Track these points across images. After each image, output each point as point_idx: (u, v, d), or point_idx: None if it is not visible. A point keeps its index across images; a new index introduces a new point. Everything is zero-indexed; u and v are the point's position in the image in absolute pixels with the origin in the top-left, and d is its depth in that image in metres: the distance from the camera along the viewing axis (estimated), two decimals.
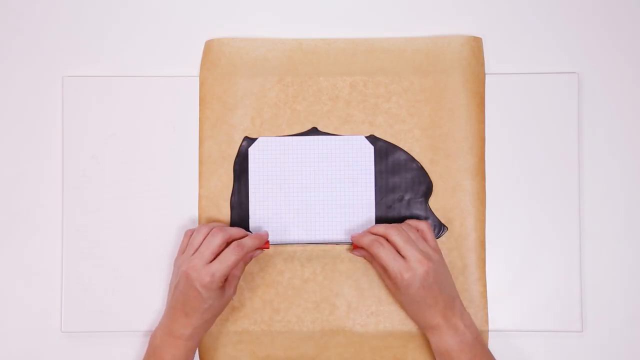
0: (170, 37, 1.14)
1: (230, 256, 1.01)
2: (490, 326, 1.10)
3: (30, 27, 1.14)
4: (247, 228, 1.11)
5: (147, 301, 1.10)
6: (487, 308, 1.10)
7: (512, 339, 1.11)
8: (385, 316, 1.10)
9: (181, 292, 1.01)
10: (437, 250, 1.05)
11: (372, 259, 1.08)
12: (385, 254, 1.02)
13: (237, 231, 1.05)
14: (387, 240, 1.04)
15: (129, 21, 1.14)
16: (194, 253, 1.02)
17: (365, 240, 1.05)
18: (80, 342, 1.11)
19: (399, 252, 1.03)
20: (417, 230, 1.06)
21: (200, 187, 1.11)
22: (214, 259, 1.01)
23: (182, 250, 1.06)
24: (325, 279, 1.11)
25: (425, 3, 1.14)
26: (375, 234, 1.05)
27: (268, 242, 1.08)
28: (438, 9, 1.14)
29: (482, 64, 1.12)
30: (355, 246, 1.08)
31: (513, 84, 1.12)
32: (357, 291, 1.10)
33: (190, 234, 1.06)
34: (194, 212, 1.11)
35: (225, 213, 1.11)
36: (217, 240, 1.02)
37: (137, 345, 1.11)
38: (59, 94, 1.13)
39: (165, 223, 1.11)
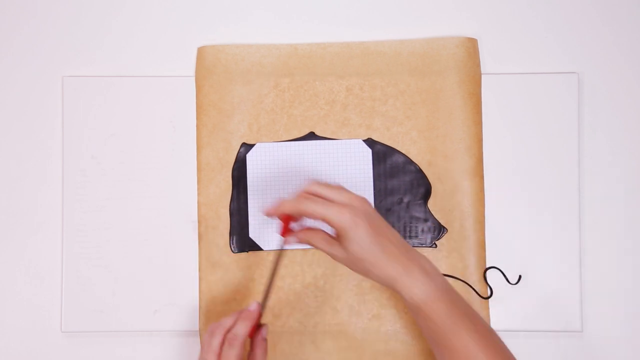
0: (171, 36, 1.14)
1: (230, 353, 0.96)
2: (491, 326, 1.10)
3: (30, 27, 1.14)
4: (247, 234, 1.10)
5: (147, 301, 1.11)
6: (488, 309, 1.10)
7: (512, 339, 1.10)
8: (387, 319, 1.10)
9: None
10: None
11: (311, 236, 0.99)
12: (317, 206, 0.94)
13: (230, 320, 0.98)
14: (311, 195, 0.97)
15: (128, 21, 1.14)
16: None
17: (289, 204, 0.96)
18: (80, 342, 1.11)
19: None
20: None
21: (198, 194, 1.11)
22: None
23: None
24: (326, 283, 1.11)
25: (427, 3, 1.14)
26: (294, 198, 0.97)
27: (261, 314, 1.00)
28: (438, 9, 1.13)
29: (478, 65, 1.11)
30: (284, 233, 0.99)
31: (513, 84, 1.12)
32: (358, 295, 1.10)
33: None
34: (194, 212, 1.11)
35: (224, 220, 1.11)
36: (215, 341, 0.96)
37: (137, 345, 1.11)
38: (59, 94, 1.13)
39: (165, 223, 1.11)
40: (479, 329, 0.96)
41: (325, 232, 0.98)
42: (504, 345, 0.97)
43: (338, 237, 0.96)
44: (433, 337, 0.96)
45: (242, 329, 0.97)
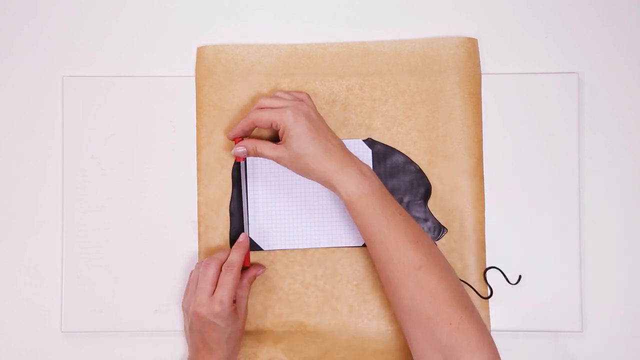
0: (171, 36, 1.13)
1: (227, 278, 1.02)
2: (491, 326, 1.10)
3: (30, 27, 1.14)
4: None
5: (147, 301, 1.11)
6: (488, 309, 1.10)
7: (512, 339, 1.11)
8: (387, 319, 1.10)
9: (198, 331, 1.02)
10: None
11: (257, 142, 1.05)
12: (264, 113, 1.02)
13: (223, 254, 1.05)
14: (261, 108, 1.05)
15: (128, 21, 1.14)
16: (195, 291, 1.02)
17: (244, 122, 1.05)
18: (80, 342, 1.11)
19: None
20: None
21: (198, 194, 1.11)
22: (215, 288, 1.02)
23: (187, 292, 1.06)
24: (326, 283, 1.11)
25: (427, 3, 1.14)
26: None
27: (249, 252, 1.07)
28: (438, 9, 1.13)
29: (478, 65, 1.11)
30: (236, 142, 1.07)
31: (513, 84, 1.12)
32: (358, 295, 1.10)
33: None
34: (194, 212, 1.11)
35: (224, 220, 1.11)
36: (211, 270, 1.02)
37: (137, 345, 1.11)
38: (59, 94, 1.13)
39: (165, 223, 1.11)
40: (410, 224, 1.00)
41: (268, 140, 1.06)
42: (434, 244, 1.02)
43: (282, 140, 1.03)
44: (367, 231, 1.01)
45: (237, 257, 1.04)
